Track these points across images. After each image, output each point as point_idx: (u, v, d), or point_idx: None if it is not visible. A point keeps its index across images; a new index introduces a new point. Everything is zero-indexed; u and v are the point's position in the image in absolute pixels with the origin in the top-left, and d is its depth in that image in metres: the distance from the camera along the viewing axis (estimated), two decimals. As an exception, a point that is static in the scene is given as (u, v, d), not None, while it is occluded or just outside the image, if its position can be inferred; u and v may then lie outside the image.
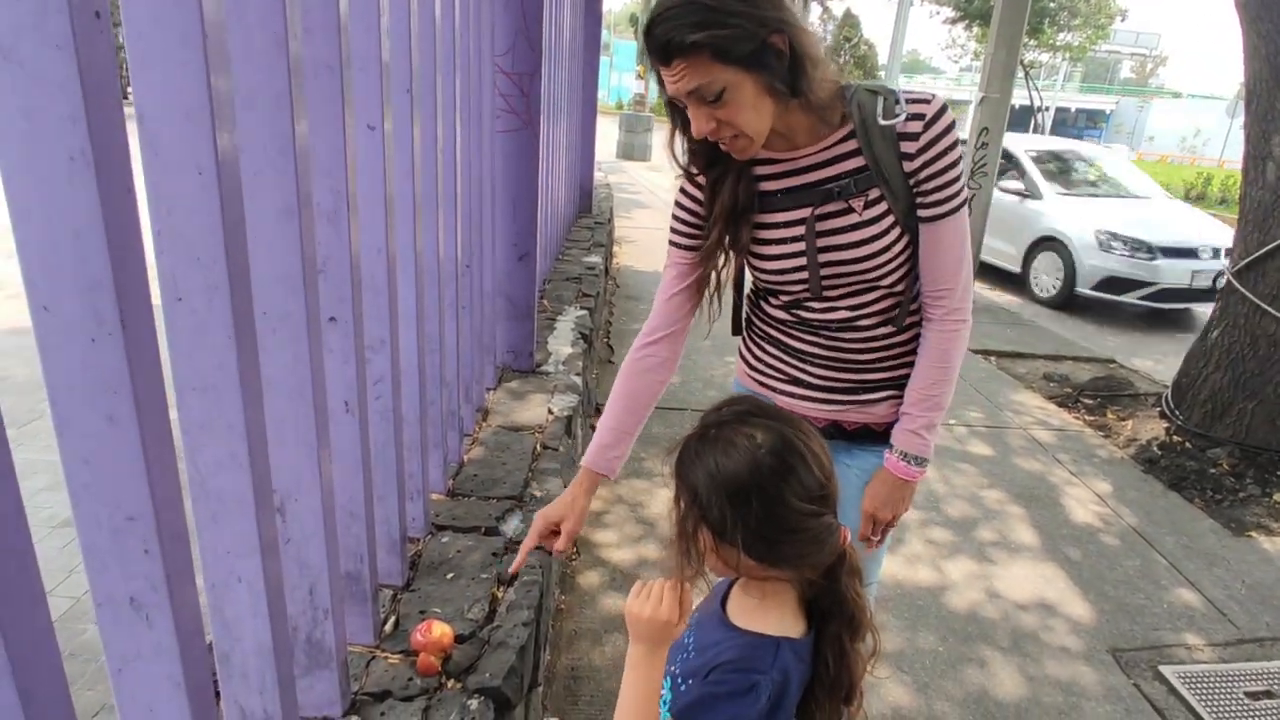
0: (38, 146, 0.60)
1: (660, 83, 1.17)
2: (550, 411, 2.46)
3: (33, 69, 0.57)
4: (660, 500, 3.08)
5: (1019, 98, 11.46)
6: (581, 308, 3.57)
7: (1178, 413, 4.10)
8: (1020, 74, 12.77)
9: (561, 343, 3.10)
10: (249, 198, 0.93)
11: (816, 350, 1.41)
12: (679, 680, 1.01)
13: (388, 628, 1.47)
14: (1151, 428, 4.19)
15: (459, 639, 1.44)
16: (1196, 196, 12.67)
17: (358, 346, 1.23)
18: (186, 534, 0.79)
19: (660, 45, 1.10)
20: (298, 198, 0.99)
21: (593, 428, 3.57)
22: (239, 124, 0.91)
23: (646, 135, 16.03)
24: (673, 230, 1.41)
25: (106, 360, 0.67)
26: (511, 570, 1.34)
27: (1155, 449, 3.97)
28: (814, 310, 1.37)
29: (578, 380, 2.74)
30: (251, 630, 0.97)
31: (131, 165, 0.68)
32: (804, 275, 1.33)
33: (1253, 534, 3.24)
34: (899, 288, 1.35)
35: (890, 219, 1.27)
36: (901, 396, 1.42)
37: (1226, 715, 2.22)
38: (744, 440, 0.88)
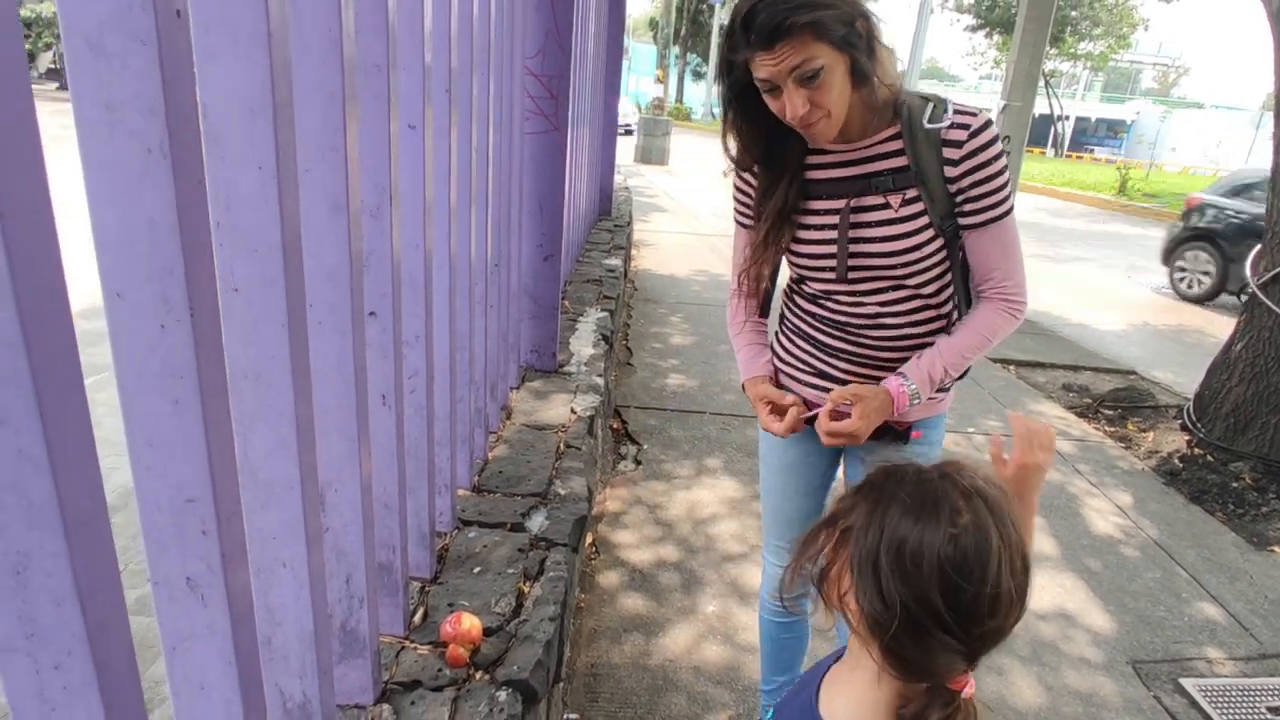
0: (118, 138, 0.63)
1: (728, 77, 1.25)
2: (573, 411, 2.48)
3: (119, 62, 0.60)
4: (679, 503, 3.09)
5: (1039, 106, 11.42)
6: (602, 309, 3.59)
7: (1200, 425, 4.06)
8: (1041, 82, 12.74)
9: (583, 343, 3.12)
10: (302, 193, 0.96)
11: (844, 346, 1.46)
12: None
13: (416, 619, 1.49)
14: (1173, 440, 4.16)
15: (487, 632, 1.45)
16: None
17: (395, 341, 1.26)
18: (241, 517, 0.81)
19: (769, 28, 1.15)
20: (347, 194, 1.01)
21: (613, 428, 3.60)
22: (296, 121, 0.93)
23: (664, 139, 16.06)
24: (736, 212, 1.52)
25: (174, 346, 0.69)
26: (785, 429, 1.44)
27: (1177, 461, 3.94)
28: (842, 303, 1.42)
29: (599, 381, 2.76)
30: (294, 615, 0.99)
31: (202, 159, 0.71)
32: (833, 262, 1.37)
33: (1275, 549, 3.21)
34: (927, 290, 1.37)
35: (924, 220, 1.30)
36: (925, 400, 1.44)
37: (1249, 729, 2.21)
38: (949, 523, 0.75)
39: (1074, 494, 3.53)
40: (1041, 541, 3.11)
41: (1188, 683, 2.35)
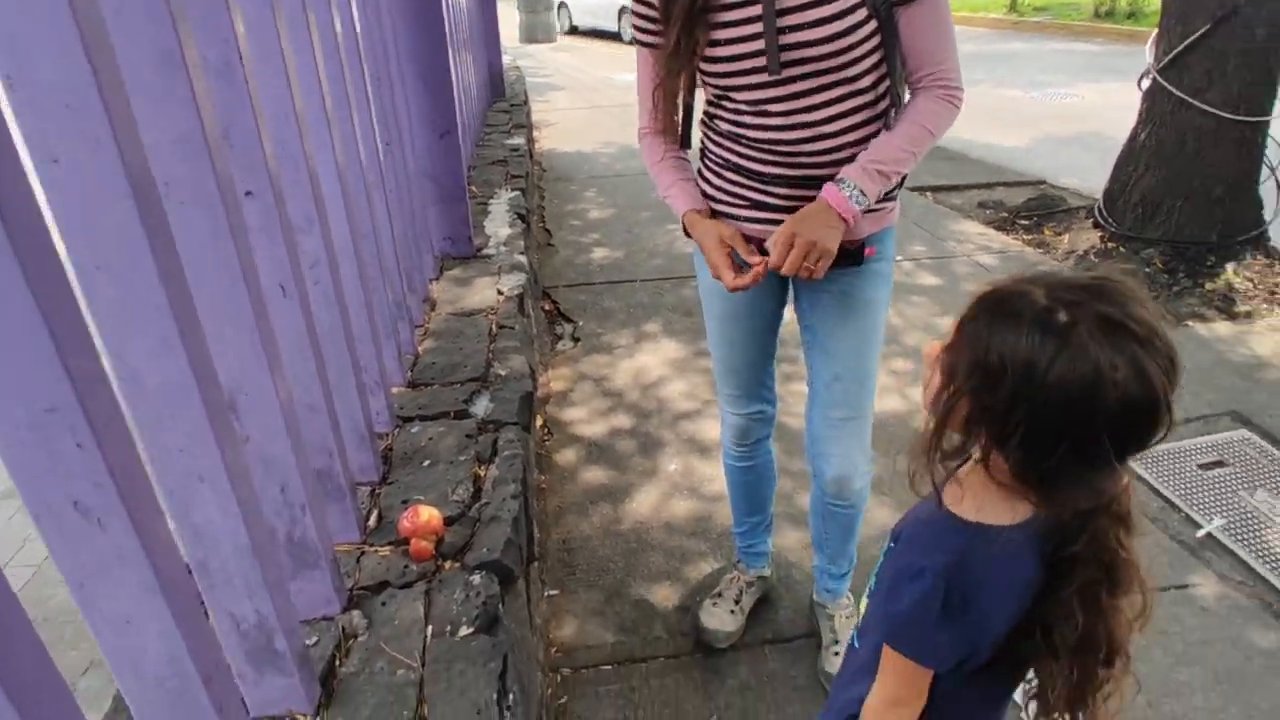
0: None
1: None
2: (500, 292, 2.35)
3: None
4: (624, 372, 3.04)
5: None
6: (513, 189, 3.39)
7: (1110, 220, 4.18)
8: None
9: (498, 225, 2.95)
10: (116, 40, 0.78)
11: (779, 170, 1.34)
12: (890, 542, 0.94)
13: (371, 523, 1.41)
14: (1087, 238, 4.28)
15: (448, 521, 1.38)
16: (1105, 13, 12.57)
17: (284, 225, 1.10)
18: (125, 425, 0.69)
19: None
20: (178, 43, 0.83)
21: (545, 310, 3.48)
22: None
23: (548, 15, 15.08)
24: (637, 30, 1.37)
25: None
26: (745, 283, 1.32)
27: (1093, 257, 4.06)
28: (773, 115, 1.29)
29: (522, 259, 2.62)
30: (226, 532, 0.89)
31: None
32: (761, 60, 1.23)
33: (1190, 323, 3.38)
34: (864, 81, 1.26)
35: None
36: (875, 208, 1.35)
37: (1183, 487, 2.36)
38: (1102, 360, 0.67)
39: (1002, 303, 3.61)
40: (978, 352, 3.19)
41: (1125, 456, 2.49)
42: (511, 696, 1.09)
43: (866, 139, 1.31)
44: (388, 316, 1.76)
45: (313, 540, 1.12)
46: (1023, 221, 4.71)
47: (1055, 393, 0.68)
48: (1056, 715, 0.82)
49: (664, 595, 2.04)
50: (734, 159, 1.39)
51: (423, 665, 1.11)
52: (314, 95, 1.34)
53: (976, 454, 0.78)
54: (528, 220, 3.18)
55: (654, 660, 1.86)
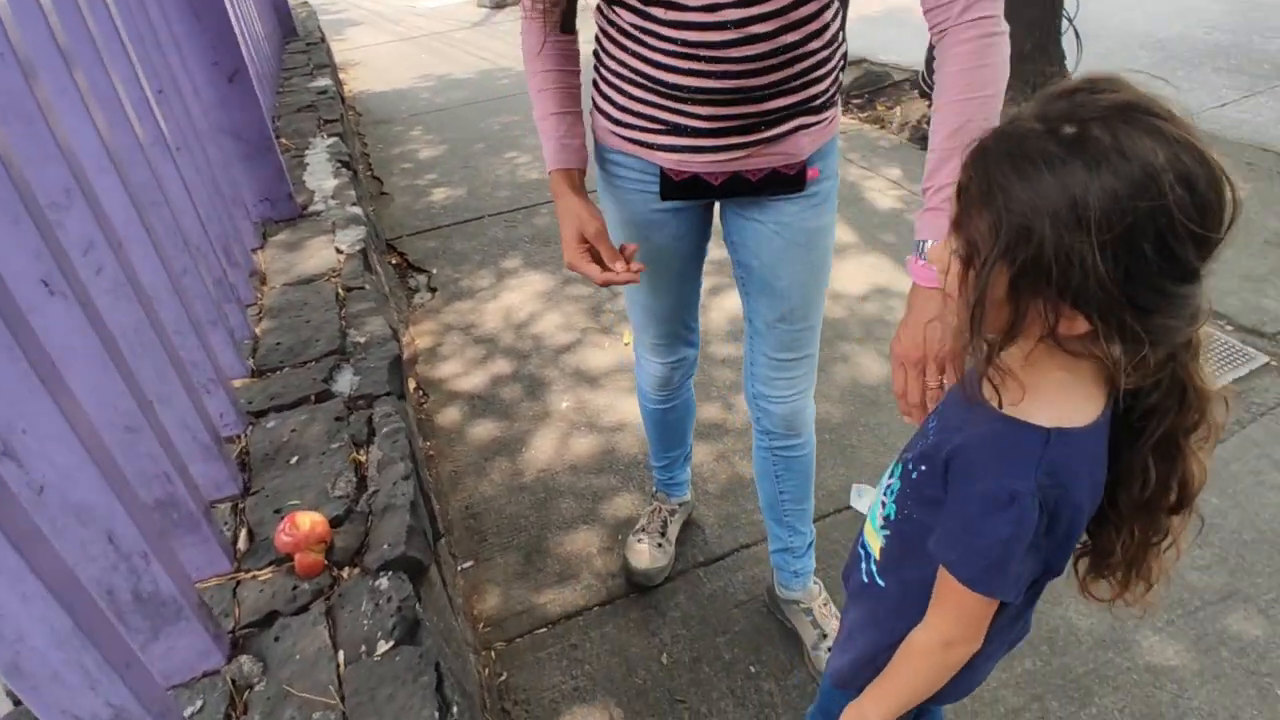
0: None
1: None
2: (339, 251, 2.07)
3: None
4: (491, 315, 2.83)
5: None
6: (329, 135, 3.01)
7: (933, 86, 4.28)
8: None
9: (321, 177, 2.60)
10: None
11: (699, 83, 1.07)
12: (911, 467, 0.79)
13: (241, 545, 1.18)
14: (916, 107, 4.37)
15: (334, 522, 1.18)
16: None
17: (26, 199, 0.83)
18: None
19: None
20: None
21: (393, 264, 3.17)
22: None
23: (325, -61, 13.63)
24: None
25: None
26: (616, 280, 1.10)
27: (924, 125, 4.16)
28: (692, 9, 1.01)
29: (357, 210, 2.32)
30: (32, 618, 0.66)
31: None
32: None
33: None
34: None
35: None
36: (816, 120, 1.14)
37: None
38: (1141, 151, 0.56)
39: (852, 181, 3.64)
40: (841, 232, 3.20)
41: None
42: (455, 709, 0.94)
43: (807, 38, 1.05)
44: (208, 300, 1.47)
45: (167, 589, 0.90)
46: (855, 101, 4.76)
47: (1109, 214, 0.56)
48: (1112, 576, 0.75)
49: (585, 540, 1.92)
50: (641, 66, 1.11)
51: (342, 700, 0.93)
52: (38, 27, 1.03)
53: (1038, 330, 0.63)
54: (354, 168, 2.84)
55: (589, 610, 1.75)
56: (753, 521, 1.90)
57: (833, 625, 1.58)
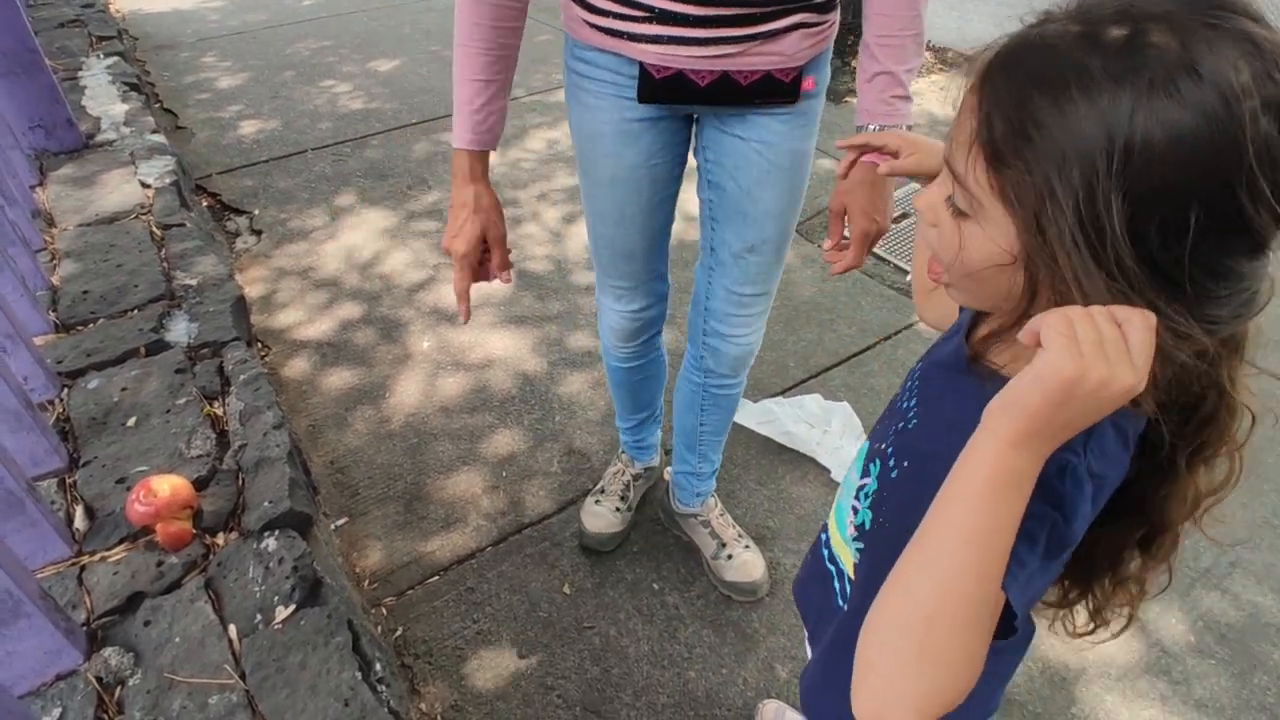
0: None
1: None
2: (145, 185, 1.78)
3: None
4: (331, 256, 2.58)
5: None
6: (108, 54, 2.57)
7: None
8: None
9: (106, 102, 2.22)
10: None
11: None
12: (891, 459, 0.65)
13: (79, 524, 1.00)
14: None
15: (199, 484, 1.02)
16: None
17: None
18: None
19: None
20: None
21: (206, 206, 2.80)
22: None
23: None
24: None
25: None
26: (464, 319, 1.03)
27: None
28: None
29: (159, 139, 2.00)
30: None
31: None
32: None
33: (848, 99, 3.66)
34: None
35: None
36: (818, 21, 1.04)
37: (884, 241, 2.60)
38: (1218, 66, 0.40)
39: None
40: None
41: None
42: (379, 665, 0.85)
43: None
44: (-13, 240, 1.21)
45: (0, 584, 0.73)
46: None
47: (1163, 162, 0.41)
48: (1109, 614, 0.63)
49: (468, 482, 1.83)
50: None
51: (243, 677, 0.82)
52: None
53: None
54: (144, 91, 2.45)
55: (482, 552, 1.67)
56: (639, 444, 1.89)
57: (730, 534, 1.61)
